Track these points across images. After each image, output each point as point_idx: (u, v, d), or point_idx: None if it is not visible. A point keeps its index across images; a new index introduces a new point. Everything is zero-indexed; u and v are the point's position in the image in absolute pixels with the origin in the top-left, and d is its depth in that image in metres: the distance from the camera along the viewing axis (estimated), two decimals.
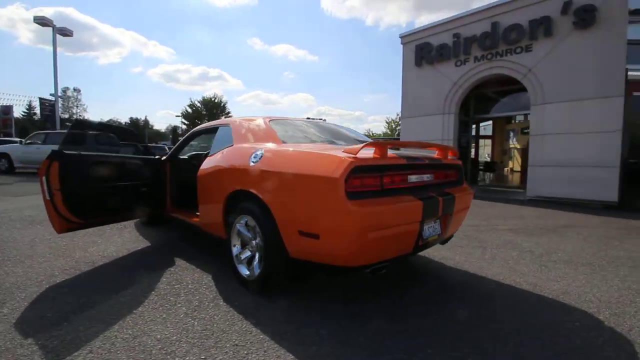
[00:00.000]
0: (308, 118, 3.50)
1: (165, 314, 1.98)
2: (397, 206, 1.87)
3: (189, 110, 41.59)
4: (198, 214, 3.16)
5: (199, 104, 42.27)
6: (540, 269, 2.87)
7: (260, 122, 2.67)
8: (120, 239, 3.52)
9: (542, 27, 7.03)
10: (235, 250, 2.45)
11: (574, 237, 4.11)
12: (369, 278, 2.55)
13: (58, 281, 2.44)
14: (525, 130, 10.12)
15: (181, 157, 3.87)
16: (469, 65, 8.34)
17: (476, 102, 9.56)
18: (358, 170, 1.76)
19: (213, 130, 3.25)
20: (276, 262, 2.10)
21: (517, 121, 13.77)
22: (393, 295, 2.29)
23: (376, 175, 1.89)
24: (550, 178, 7.09)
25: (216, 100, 42.31)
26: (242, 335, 1.76)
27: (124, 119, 60.45)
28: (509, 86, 8.17)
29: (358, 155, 1.79)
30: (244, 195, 2.33)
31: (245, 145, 2.49)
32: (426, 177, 2.27)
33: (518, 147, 14.23)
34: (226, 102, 43.73)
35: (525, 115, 10.37)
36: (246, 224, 2.36)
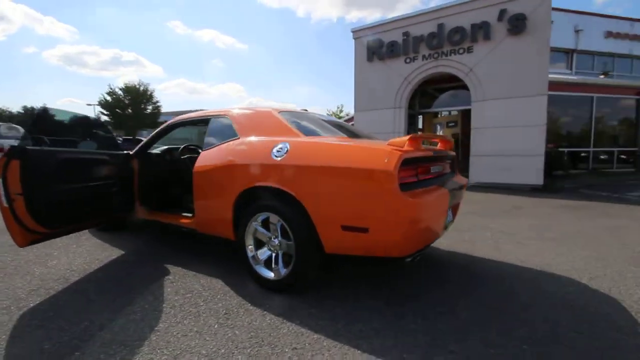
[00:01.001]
0: (305, 110, 3.39)
1: (196, 326, 1.77)
2: (437, 196, 1.95)
3: (108, 98, 36.71)
4: (186, 214, 2.87)
5: (120, 92, 37.64)
6: (518, 247, 3.25)
7: (270, 113, 2.51)
8: (82, 249, 3.02)
9: (482, 31, 7.82)
10: (250, 251, 2.28)
11: (528, 216, 4.72)
12: (373, 264, 2.61)
13: (31, 305, 2.01)
14: (450, 124, 11.12)
15: (152, 152, 3.45)
16: (418, 62, 8.90)
17: (421, 97, 10.28)
18: (405, 162, 1.78)
19: (202, 122, 2.95)
20: (309, 260, 2.02)
21: (442, 115, 15.14)
22: (412, 281, 2.37)
23: (414, 167, 1.94)
24: (489, 166, 8.01)
25: (142, 88, 38.14)
26: (295, 337, 1.66)
27: (15, 107, 50.74)
28: (453, 83, 8.95)
29: (404, 148, 1.81)
30: (264, 191, 2.19)
31: (261, 138, 2.31)
32: (439, 168, 2.40)
33: None
34: (153, 91, 39.73)
35: (450, 112, 11.43)
36: (263, 222, 2.22)
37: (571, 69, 14.13)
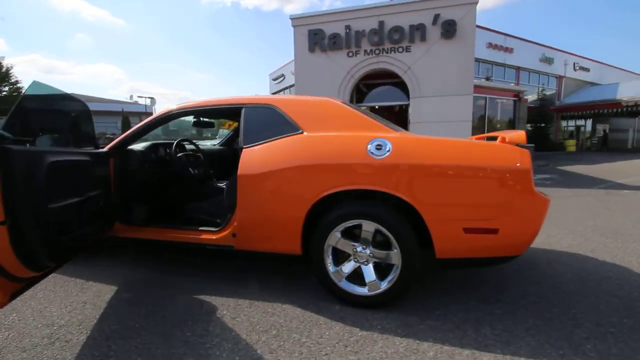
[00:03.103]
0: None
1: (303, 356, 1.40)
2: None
3: None
4: (207, 229, 2.27)
5: None
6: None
7: (336, 103, 2.14)
8: (61, 294, 2.12)
9: (419, 32, 8.45)
10: (331, 265, 1.94)
11: None
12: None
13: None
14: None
15: (135, 149, 2.62)
16: (360, 57, 9.13)
17: (358, 92, 10.62)
18: None
19: (225, 111, 2.38)
20: (416, 268, 1.82)
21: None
22: (496, 277, 2.37)
23: None
24: None
25: None
26: (450, 357, 1.47)
27: None
28: (393, 79, 9.48)
29: (527, 144, 1.76)
30: (354, 195, 1.87)
31: (342, 133, 1.95)
32: None
33: None
34: (11, 67, 31.08)
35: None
36: (345, 231, 1.91)
37: None
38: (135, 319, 1.79)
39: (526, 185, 1.64)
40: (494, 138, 2.08)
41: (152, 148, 2.74)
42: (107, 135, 16.67)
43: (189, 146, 3.07)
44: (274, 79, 21.68)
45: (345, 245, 1.92)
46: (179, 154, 2.72)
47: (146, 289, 2.15)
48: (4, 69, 30.18)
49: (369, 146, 1.83)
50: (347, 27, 9.06)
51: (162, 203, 2.73)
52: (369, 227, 1.85)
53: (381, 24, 8.74)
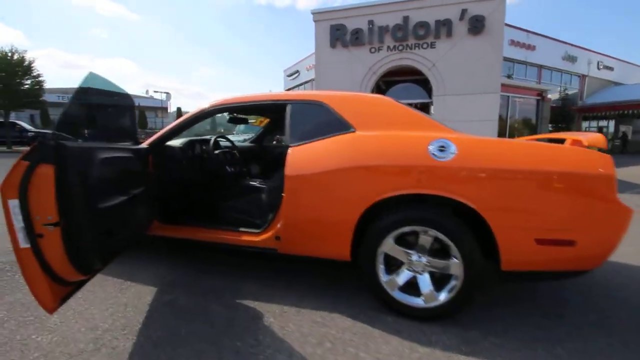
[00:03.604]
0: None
1: None
2: None
3: None
4: (248, 230, 2.18)
5: None
6: None
7: (389, 100, 2.02)
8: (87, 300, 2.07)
9: (445, 27, 8.20)
10: (383, 274, 1.82)
11: None
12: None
13: None
14: None
15: (174, 145, 2.55)
16: (383, 53, 8.93)
17: (377, 89, 10.41)
18: None
19: (271, 108, 2.28)
20: (478, 280, 1.69)
21: None
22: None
23: None
24: None
25: (15, 58, 30.05)
26: None
27: None
28: (414, 76, 9.26)
29: (606, 147, 1.61)
30: (414, 200, 1.75)
31: (399, 133, 1.83)
32: None
33: None
34: (33, 61, 31.70)
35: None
36: (399, 238, 1.79)
37: None
38: (181, 324, 1.71)
39: (609, 194, 1.49)
40: (559, 140, 1.92)
41: (190, 145, 2.66)
42: (147, 130, 16.53)
43: (223, 143, 2.98)
44: (289, 75, 21.59)
45: (399, 253, 1.80)
46: (216, 151, 2.63)
47: (186, 291, 2.07)
48: (26, 62, 30.77)
49: (430, 147, 1.70)
50: (370, 22, 8.86)
51: (198, 201, 2.65)
52: (427, 234, 1.72)
53: (406, 19, 8.51)
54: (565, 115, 17.99)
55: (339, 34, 9.21)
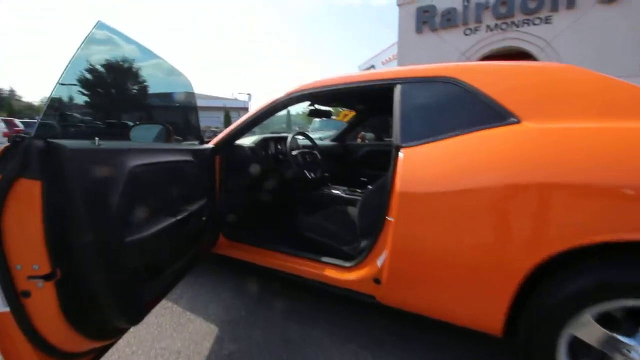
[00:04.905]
0: None
1: None
2: None
3: (88, 76, 33.26)
4: (339, 263, 1.58)
5: (101, 69, 34.17)
6: None
7: (581, 70, 1.23)
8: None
9: None
10: None
11: None
12: None
13: None
14: None
15: (244, 145, 2.10)
16: (480, 34, 7.61)
17: None
18: None
19: (367, 92, 1.66)
20: None
21: None
22: None
23: None
24: None
25: (126, 65, 34.84)
26: None
27: None
28: (520, 60, 7.70)
29: None
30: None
31: (618, 125, 1.04)
32: None
33: None
34: (139, 69, 36.44)
35: None
36: (604, 315, 0.99)
37: None
38: None
39: None
40: None
41: (263, 144, 2.19)
42: (212, 128, 16.04)
43: (302, 142, 2.46)
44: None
45: (601, 339, 1.01)
46: (294, 152, 2.11)
47: (248, 338, 1.57)
48: (134, 69, 35.44)
49: None
50: None
51: (271, 213, 2.16)
52: None
53: None
54: None
55: (426, 17, 8.13)
